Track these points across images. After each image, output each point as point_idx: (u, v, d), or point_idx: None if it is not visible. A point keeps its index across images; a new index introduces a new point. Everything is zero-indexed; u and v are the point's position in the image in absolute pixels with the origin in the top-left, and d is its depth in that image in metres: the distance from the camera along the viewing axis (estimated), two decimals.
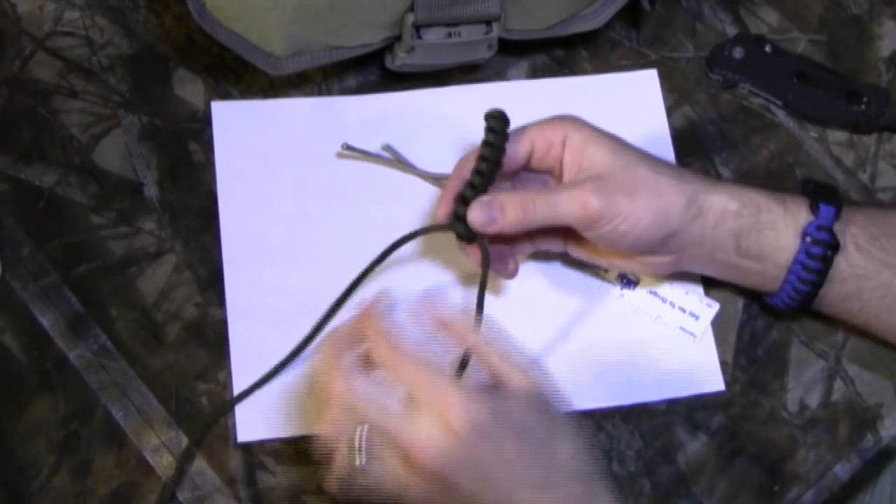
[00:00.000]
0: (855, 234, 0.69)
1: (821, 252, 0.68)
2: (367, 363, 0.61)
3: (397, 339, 0.60)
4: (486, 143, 0.68)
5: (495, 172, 0.68)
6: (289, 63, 0.75)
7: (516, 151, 0.69)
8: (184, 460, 0.68)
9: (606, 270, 0.75)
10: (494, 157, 0.67)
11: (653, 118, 0.81)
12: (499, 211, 0.67)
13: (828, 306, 0.71)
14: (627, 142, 0.70)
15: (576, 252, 0.73)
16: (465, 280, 0.74)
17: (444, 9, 0.74)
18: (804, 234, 0.68)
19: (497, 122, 0.68)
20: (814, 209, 0.69)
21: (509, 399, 0.60)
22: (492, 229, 0.67)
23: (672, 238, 0.68)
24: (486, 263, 0.68)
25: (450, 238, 0.70)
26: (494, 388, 0.61)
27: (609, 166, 0.67)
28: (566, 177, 0.69)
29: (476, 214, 0.67)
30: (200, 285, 0.73)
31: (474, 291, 0.68)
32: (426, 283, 0.73)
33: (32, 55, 0.79)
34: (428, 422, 0.58)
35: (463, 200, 0.68)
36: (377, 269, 0.69)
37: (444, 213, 0.69)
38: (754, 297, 0.75)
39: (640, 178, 0.67)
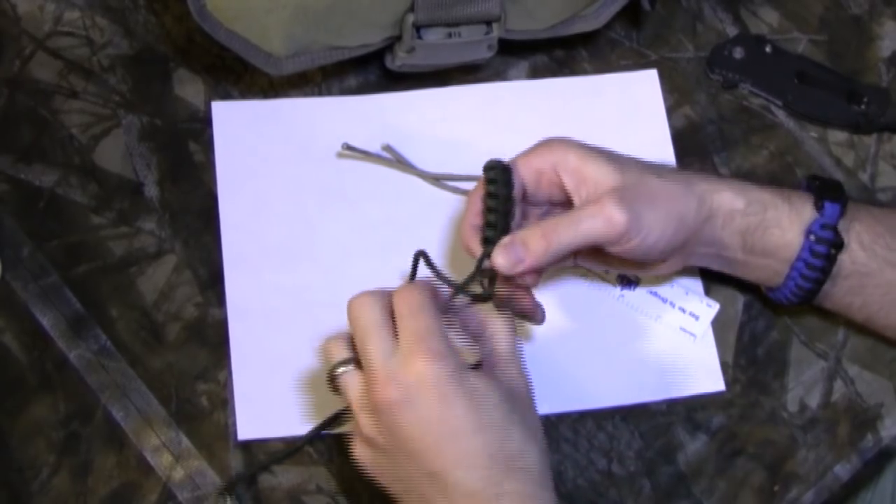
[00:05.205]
0: (859, 231, 0.69)
1: (825, 250, 0.68)
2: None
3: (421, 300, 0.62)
4: (489, 195, 0.66)
5: (508, 220, 0.66)
6: (289, 63, 0.75)
7: None
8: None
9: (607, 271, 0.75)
10: (503, 207, 0.66)
11: (653, 118, 0.81)
12: (521, 248, 0.64)
13: (829, 302, 0.71)
14: (619, 152, 0.68)
15: (585, 263, 0.72)
16: None
17: (444, 9, 0.74)
18: (808, 231, 0.68)
19: (494, 172, 0.66)
20: (818, 207, 0.69)
21: (483, 376, 0.60)
22: (521, 268, 0.65)
23: (687, 241, 0.68)
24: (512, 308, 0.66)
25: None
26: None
27: (620, 179, 0.66)
28: (576, 199, 0.67)
29: (501, 259, 0.64)
30: (200, 285, 0.73)
31: None
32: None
33: (32, 55, 0.79)
34: (398, 361, 0.59)
35: (483, 259, 0.66)
36: None
37: (472, 243, 0.68)
38: (755, 297, 0.76)
39: (653, 187, 0.66)
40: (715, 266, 0.72)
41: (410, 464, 0.60)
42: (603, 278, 0.75)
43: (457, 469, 0.59)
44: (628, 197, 0.65)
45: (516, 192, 0.67)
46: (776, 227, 0.69)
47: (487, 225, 0.66)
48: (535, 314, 0.68)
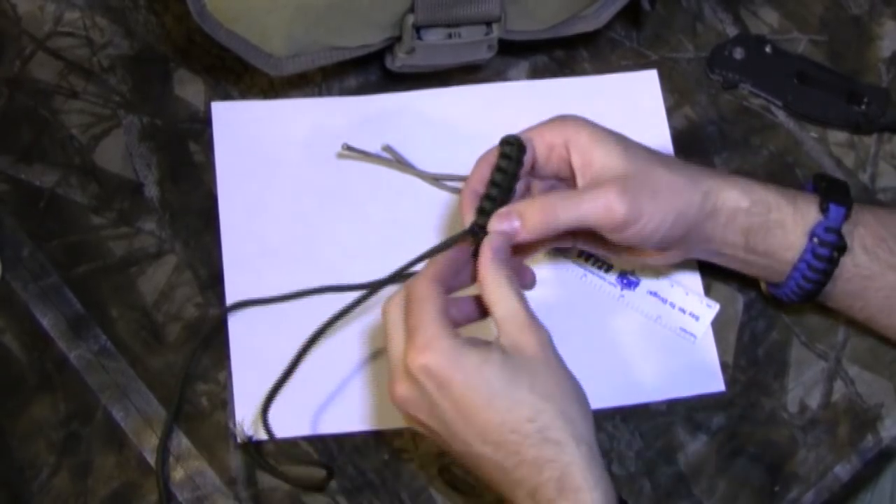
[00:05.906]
0: (863, 234, 0.69)
1: (827, 253, 0.68)
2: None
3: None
4: (498, 168, 0.66)
5: (508, 197, 0.66)
6: (289, 64, 0.75)
7: None
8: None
9: (610, 268, 0.75)
10: (508, 184, 0.66)
11: (653, 119, 0.81)
12: (518, 219, 0.65)
13: (831, 301, 0.72)
14: (630, 139, 0.69)
15: (585, 245, 0.72)
16: None
17: (444, 10, 0.74)
18: (812, 234, 0.68)
19: (511, 148, 0.66)
20: (823, 209, 0.69)
21: (478, 349, 0.61)
22: (515, 240, 0.65)
23: (687, 234, 0.68)
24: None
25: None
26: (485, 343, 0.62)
27: (626, 167, 0.66)
28: (580, 179, 0.67)
29: (496, 228, 0.65)
30: (200, 285, 0.73)
31: None
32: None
33: (33, 55, 0.79)
34: (406, 356, 0.61)
35: (479, 225, 0.66)
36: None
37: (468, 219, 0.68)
38: (755, 298, 0.76)
39: (658, 178, 0.67)
40: (717, 262, 0.72)
41: (446, 444, 0.63)
42: (603, 278, 0.75)
43: (480, 445, 0.60)
44: (631, 187, 0.65)
45: (526, 167, 0.67)
46: (779, 228, 0.69)
47: (487, 197, 0.66)
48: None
